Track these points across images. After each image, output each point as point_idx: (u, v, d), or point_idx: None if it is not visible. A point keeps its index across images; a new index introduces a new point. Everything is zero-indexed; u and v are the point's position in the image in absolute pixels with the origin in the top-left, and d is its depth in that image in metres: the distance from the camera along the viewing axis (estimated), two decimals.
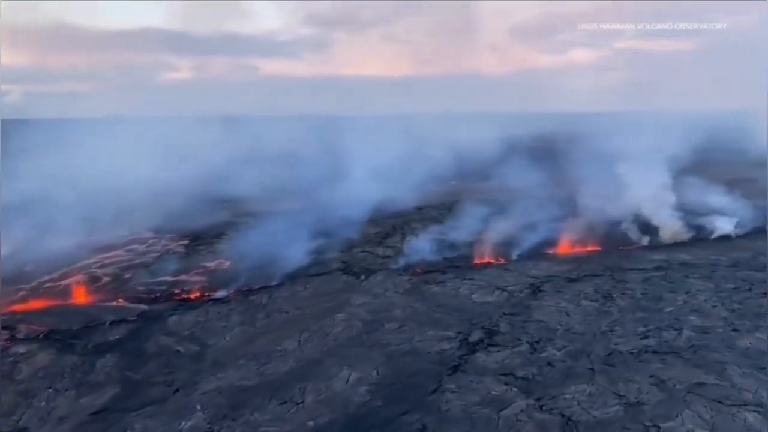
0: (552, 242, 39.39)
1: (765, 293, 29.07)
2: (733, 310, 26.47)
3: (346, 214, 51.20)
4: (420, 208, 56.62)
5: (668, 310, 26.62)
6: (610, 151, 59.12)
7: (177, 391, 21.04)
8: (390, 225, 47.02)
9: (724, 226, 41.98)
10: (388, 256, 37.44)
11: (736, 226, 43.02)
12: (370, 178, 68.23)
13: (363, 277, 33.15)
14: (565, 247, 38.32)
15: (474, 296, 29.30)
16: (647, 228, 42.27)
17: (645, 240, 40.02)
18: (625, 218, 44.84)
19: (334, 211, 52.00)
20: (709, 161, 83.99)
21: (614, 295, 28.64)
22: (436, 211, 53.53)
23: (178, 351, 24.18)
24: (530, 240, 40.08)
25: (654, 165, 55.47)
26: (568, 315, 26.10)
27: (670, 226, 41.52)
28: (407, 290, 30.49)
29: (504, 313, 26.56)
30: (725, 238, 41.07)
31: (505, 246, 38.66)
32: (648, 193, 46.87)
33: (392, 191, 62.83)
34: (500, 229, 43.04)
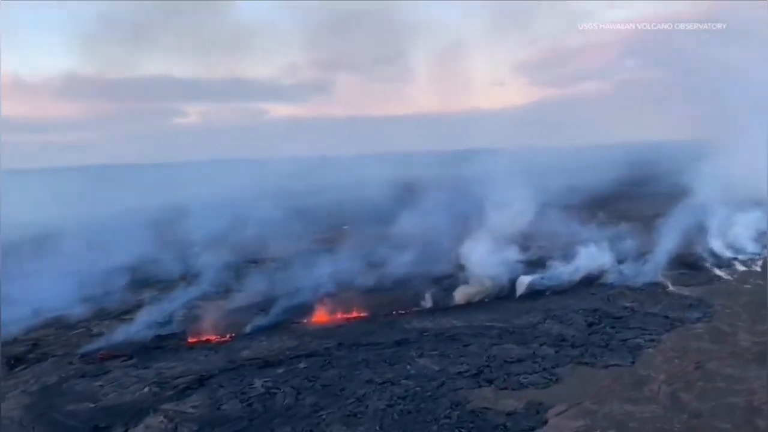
0: (316, 307, 32.86)
1: (491, 381, 22.72)
2: (408, 413, 19.88)
3: (134, 277, 45.23)
4: (254, 262, 51.03)
5: (321, 414, 19.98)
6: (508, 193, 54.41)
7: None
8: (162, 287, 40.86)
9: (532, 282, 35.49)
10: (101, 334, 30.90)
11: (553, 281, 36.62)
12: (227, 225, 63.50)
13: (23, 366, 26.63)
14: (324, 314, 31.80)
15: (111, 395, 22.85)
16: (446, 286, 35.78)
17: (429, 302, 33.41)
18: (432, 274, 38.68)
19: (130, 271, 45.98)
20: (629, 195, 78.31)
21: (282, 391, 22.36)
22: (258, 266, 47.69)
23: None
24: (290, 304, 33.86)
25: (525, 210, 50.20)
26: (175, 429, 19.49)
27: (474, 284, 35.01)
28: (46, 387, 24.29)
29: (101, 427, 19.91)
30: (537, 294, 34.48)
31: (253, 314, 32.26)
32: (485, 244, 40.72)
33: (254, 240, 58.30)
34: (272, 290, 37.17)
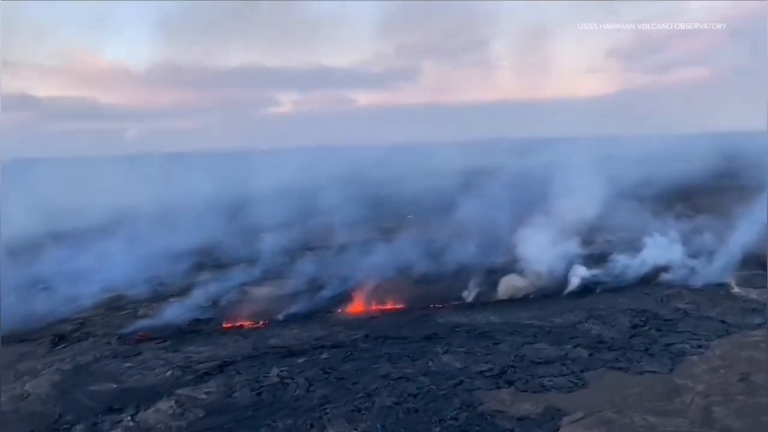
0: (355, 297, 32.74)
1: (512, 382, 22.01)
2: (415, 411, 19.43)
3: (196, 260, 46.61)
4: (311, 249, 51.70)
5: (327, 407, 19.82)
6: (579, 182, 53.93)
7: None
8: (218, 271, 41.84)
9: (584, 278, 33.76)
10: (145, 316, 32.08)
11: (614, 277, 34.79)
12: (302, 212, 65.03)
13: (64, 345, 28.02)
14: (360, 304, 31.61)
15: (135, 377, 23.73)
16: (495, 279, 34.72)
17: (472, 295, 32.50)
18: (485, 266, 37.65)
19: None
20: (715, 187, 73.57)
21: (295, 381, 22.32)
22: (315, 252, 48.16)
23: None
24: (331, 293, 33.96)
25: (595, 201, 48.77)
26: (182, 414, 19.86)
27: (522, 278, 33.76)
28: (79, 366, 25.51)
29: (115, 408, 20.60)
30: (587, 291, 32.87)
31: (293, 301, 32.53)
32: (545, 236, 39.40)
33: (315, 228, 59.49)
34: (319, 277, 37.49)
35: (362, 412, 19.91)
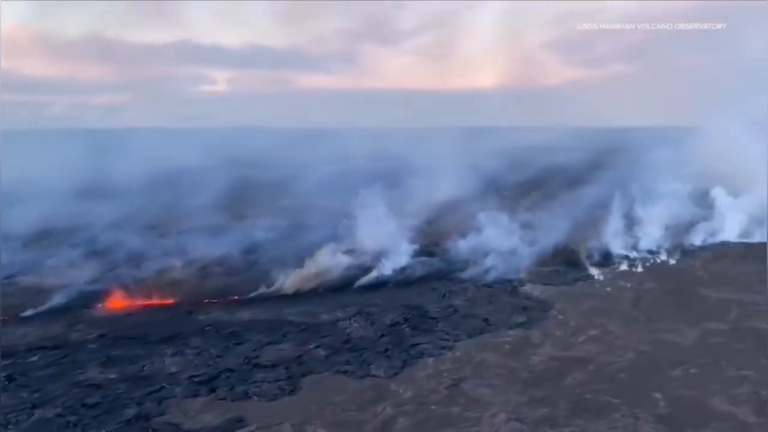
0: (125, 290, 29.95)
1: (215, 389, 19.58)
2: (74, 425, 16.93)
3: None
4: (147, 233, 48.50)
5: None
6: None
7: None
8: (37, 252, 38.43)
9: (381, 270, 32.27)
10: None
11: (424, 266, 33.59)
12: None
13: None
14: (125, 299, 28.87)
15: None
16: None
17: (265, 288, 30.45)
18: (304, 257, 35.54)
19: None
20: (584, 179, 73.94)
21: None
22: (143, 238, 44.91)
23: None
24: (99, 287, 30.99)
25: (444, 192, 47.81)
26: None
27: (317, 270, 31.88)
28: None
29: None
30: (378, 285, 31.36)
31: (56, 292, 29.48)
32: (381, 225, 37.75)
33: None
34: (115, 264, 34.79)
35: (10, 426, 17.39)
